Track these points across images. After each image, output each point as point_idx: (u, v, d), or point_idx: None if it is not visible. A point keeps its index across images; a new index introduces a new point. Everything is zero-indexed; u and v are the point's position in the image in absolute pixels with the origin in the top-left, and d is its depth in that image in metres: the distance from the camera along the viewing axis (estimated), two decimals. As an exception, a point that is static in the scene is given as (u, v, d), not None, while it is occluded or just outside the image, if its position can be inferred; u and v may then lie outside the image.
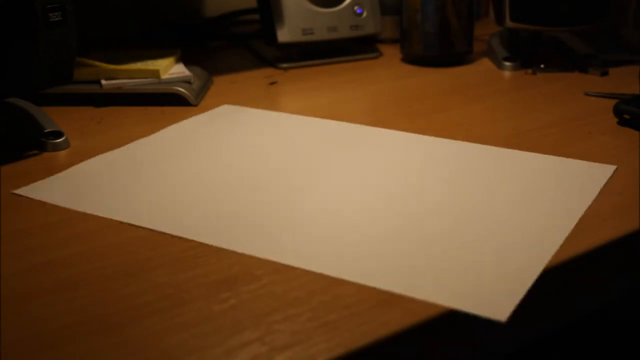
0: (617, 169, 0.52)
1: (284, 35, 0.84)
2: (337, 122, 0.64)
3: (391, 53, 0.92)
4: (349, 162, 0.55)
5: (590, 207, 0.46)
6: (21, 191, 0.50)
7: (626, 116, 0.62)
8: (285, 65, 0.86)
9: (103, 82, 0.71)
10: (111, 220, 0.46)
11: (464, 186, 0.50)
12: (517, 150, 0.56)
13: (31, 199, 0.49)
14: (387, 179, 0.52)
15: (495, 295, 0.37)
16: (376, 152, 0.57)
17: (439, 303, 0.36)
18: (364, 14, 0.88)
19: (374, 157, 0.56)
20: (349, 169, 0.54)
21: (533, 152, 0.56)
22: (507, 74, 0.82)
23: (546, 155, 0.55)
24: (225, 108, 0.69)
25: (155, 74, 0.72)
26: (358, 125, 0.63)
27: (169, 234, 0.44)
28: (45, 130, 0.60)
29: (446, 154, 0.56)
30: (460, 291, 0.37)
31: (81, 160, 0.57)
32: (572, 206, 0.46)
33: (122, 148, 0.59)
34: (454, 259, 0.40)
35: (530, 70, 0.81)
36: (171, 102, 0.71)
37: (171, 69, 0.75)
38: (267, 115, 0.67)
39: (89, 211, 0.47)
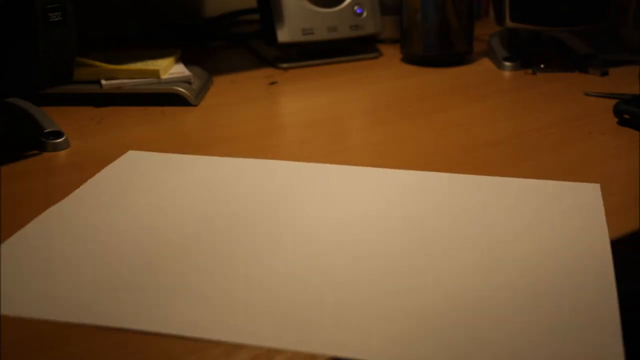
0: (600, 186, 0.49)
1: (284, 35, 0.84)
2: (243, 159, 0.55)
3: (391, 53, 0.92)
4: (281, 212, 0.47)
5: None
6: None
7: (626, 116, 0.62)
8: (285, 65, 0.86)
9: (103, 82, 0.71)
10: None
11: (463, 234, 0.43)
12: (497, 177, 0.51)
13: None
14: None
15: None
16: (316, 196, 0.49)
17: None
18: (364, 14, 0.88)
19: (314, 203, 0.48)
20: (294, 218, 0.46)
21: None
22: (507, 74, 0.82)
23: (525, 180, 0.50)
24: (130, 155, 0.57)
25: (155, 74, 0.72)
26: (272, 161, 0.55)
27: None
28: (45, 130, 0.60)
29: (400, 193, 0.49)
30: None
31: (81, 160, 0.57)
32: (593, 232, 0.42)
33: (30, 224, 0.46)
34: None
35: (530, 70, 0.81)
36: (171, 102, 0.71)
37: (171, 69, 0.75)
38: (178, 160, 0.56)
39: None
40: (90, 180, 0.52)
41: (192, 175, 0.52)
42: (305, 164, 0.54)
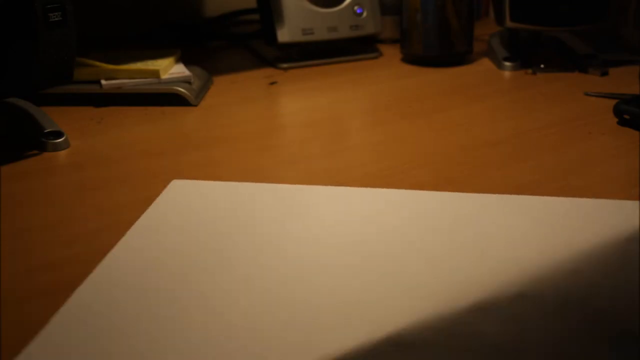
0: None
1: (284, 35, 0.84)
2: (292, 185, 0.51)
3: (391, 53, 0.92)
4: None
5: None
6: None
7: (626, 116, 0.62)
8: (285, 65, 0.86)
9: (103, 82, 0.71)
10: (113, 219, 0.46)
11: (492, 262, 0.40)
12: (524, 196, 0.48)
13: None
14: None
15: None
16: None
17: None
18: (364, 14, 0.88)
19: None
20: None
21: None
22: (507, 74, 0.82)
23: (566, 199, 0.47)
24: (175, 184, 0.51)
25: (155, 74, 0.72)
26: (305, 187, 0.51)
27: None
28: (45, 130, 0.60)
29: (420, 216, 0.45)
30: None
31: (81, 160, 0.57)
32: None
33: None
34: None
35: (530, 70, 0.81)
36: (171, 102, 0.71)
37: (171, 69, 0.75)
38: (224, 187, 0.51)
39: None
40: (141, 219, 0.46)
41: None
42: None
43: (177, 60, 0.78)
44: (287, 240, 0.43)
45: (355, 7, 0.88)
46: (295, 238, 0.43)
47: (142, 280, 0.38)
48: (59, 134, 0.60)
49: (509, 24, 0.80)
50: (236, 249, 0.42)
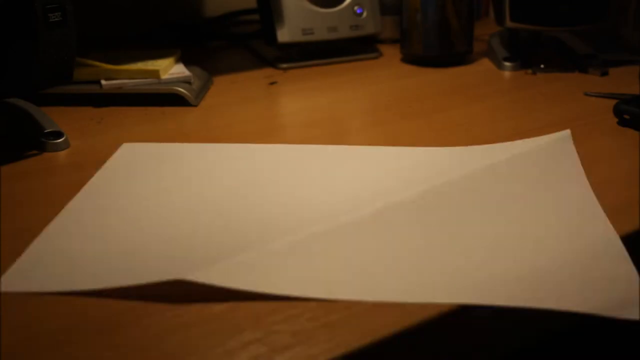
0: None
1: (284, 35, 0.84)
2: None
3: (391, 53, 0.92)
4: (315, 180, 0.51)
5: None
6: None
7: (626, 116, 0.62)
8: (285, 65, 0.86)
9: (103, 82, 0.71)
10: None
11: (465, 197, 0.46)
12: (464, 147, 0.55)
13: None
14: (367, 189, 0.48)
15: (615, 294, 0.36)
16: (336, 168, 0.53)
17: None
18: (364, 14, 0.88)
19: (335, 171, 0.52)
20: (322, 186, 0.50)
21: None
22: (507, 74, 0.82)
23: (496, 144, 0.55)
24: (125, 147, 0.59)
25: (155, 74, 0.72)
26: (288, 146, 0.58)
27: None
28: (45, 130, 0.60)
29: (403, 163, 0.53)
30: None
31: (81, 160, 0.57)
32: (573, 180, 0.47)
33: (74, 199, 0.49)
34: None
35: (530, 70, 0.81)
36: (171, 102, 0.71)
37: (171, 69, 0.75)
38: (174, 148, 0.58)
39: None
40: (93, 178, 0.52)
41: (195, 163, 0.55)
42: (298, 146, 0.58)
43: (177, 61, 0.78)
44: (224, 194, 0.49)
45: (355, 7, 0.88)
46: (230, 189, 0.49)
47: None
48: (59, 134, 0.60)
49: (509, 24, 0.80)
50: (173, 205, 0.47)
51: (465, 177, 0.48)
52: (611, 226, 0.43)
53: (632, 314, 0.34)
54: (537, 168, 0.50)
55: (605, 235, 0.42)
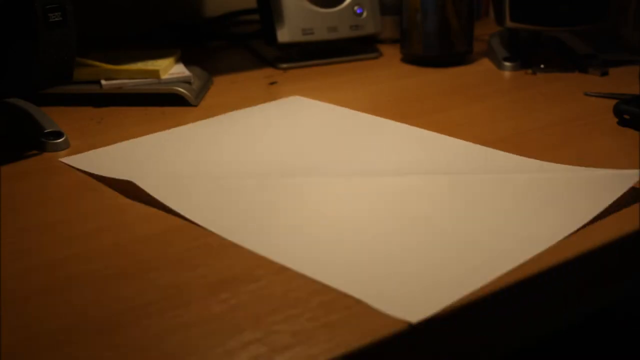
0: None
1: (284, 35, 0.84)
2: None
3: (391, 53, 0.92)
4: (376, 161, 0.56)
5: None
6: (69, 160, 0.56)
7: (626, 116, 0.62)
8: (285, 65, 0.86)
9: (103, 82, 0.71)
10: (113, 219, 0.46)
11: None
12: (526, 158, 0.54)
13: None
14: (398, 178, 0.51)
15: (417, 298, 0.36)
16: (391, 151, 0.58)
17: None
18: (364, 14, 0.88)
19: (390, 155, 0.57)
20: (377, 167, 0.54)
21: (534, 154, 0.56)
22: (507, 74, 0.82)
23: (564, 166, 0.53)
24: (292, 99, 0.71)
25: (155, 74, 0.72)
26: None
27: (175, 228, 0.44)
28: (45, 131, 0.60)
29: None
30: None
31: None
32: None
33: (175, 129, 0.63)
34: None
35: (530, 70, 0.81)
36: (171, 102, 0.71)
37: (171, 69, 0.75)
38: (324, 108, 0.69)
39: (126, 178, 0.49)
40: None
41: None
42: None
43: (177, 61, 0.78)
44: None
45: (355, 7, 0.88)
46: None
47: None
48: (59, 134, 0.60)
49: (509, 24, 0.80)
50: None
51: (493, 179, 0.50)
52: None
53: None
54: (569, 193, 0.48)
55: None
